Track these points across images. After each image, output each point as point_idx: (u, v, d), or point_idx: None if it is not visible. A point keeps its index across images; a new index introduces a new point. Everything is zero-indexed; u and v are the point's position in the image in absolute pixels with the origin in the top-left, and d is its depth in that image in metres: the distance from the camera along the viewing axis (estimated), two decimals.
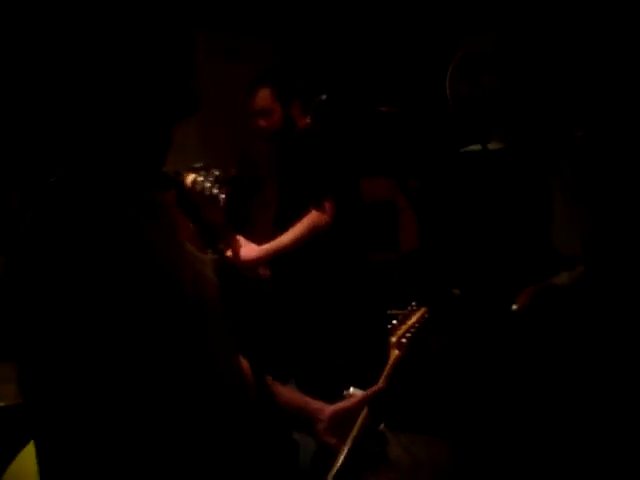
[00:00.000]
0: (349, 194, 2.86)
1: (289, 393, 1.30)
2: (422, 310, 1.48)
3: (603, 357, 2.69)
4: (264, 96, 2.82)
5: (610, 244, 3.13)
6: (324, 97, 2.93)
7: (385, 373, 1.39)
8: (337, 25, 3.66)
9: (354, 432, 1.25)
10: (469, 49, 3.29)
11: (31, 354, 0.87)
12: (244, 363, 1.14)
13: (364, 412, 1.29)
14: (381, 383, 1.36)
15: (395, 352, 1.41)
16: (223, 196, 2.35)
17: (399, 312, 1.47)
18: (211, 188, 2.23)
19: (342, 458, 1.22)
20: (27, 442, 2.11)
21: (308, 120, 2.87)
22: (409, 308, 1.48)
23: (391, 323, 1.43)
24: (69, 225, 0.86)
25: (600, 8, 3.03)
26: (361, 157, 3.43)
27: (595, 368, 2.65)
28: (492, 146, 3.23)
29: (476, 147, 3.27)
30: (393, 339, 1.41)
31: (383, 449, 1.29)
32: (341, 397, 1.35)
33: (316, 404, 1.29)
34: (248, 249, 2.65)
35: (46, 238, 0.86)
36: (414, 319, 1.45)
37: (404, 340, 1.41)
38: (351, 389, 1.43)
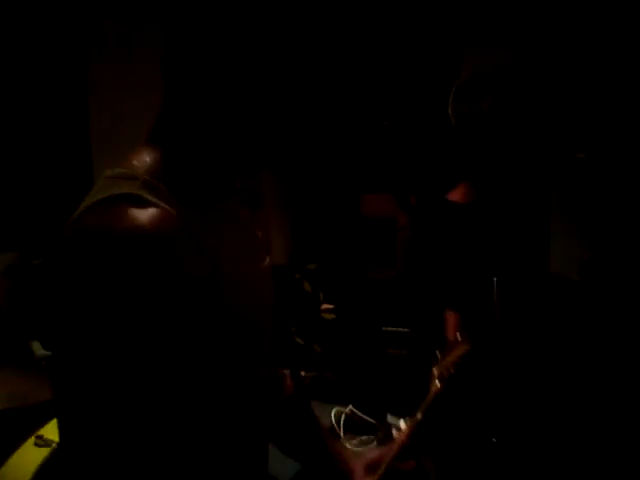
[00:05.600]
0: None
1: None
2: (465, 346, 1.47)
3: (607, 392, 2.69)
4: None
5: (608, 267, 3.16)
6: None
7: (424, 406, 1.38)
8: (341, 37, 3.64)
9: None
10: (474, 71, 3.29)
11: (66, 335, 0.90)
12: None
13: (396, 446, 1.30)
14: (419, 416, 1.36)
15: (437, 385, 1.40)
16: None
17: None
18: None
19: None
20: (17, 446, 2.08)
21: None
22: (454, 340, 1.48)
23: (435, 355, 1.42)
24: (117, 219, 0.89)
25: (606, 30, 3.06)
26: (363, 172, 3.42)
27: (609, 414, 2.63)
28: None
29: None
30: (436, 371, 1.40)
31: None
32: None
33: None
34: None
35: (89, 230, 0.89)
36: (457, 353, 1.45)
37: (446, 374, 1.40)
38: (388, 416, 1.42)
